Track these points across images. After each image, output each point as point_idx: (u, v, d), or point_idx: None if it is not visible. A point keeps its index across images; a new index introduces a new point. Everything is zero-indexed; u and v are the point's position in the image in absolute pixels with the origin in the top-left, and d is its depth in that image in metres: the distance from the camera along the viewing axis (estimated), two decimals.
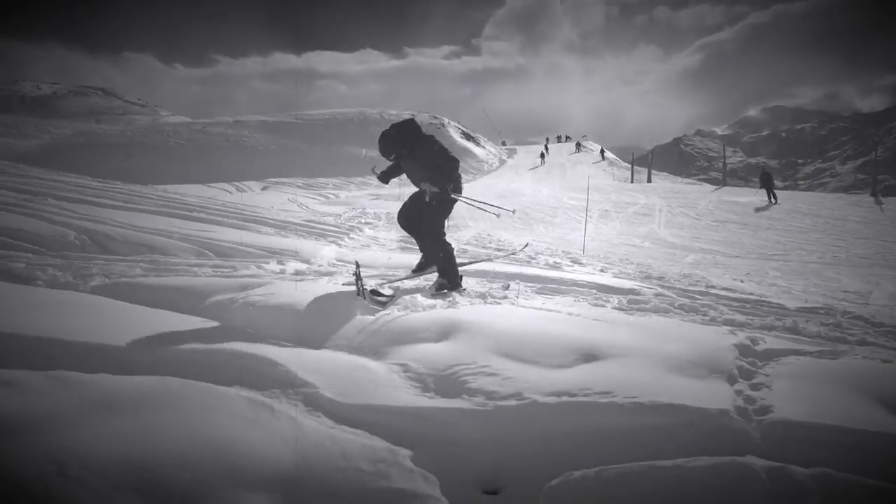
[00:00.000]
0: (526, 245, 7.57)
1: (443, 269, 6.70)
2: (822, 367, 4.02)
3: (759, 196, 29.93)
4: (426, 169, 6.60)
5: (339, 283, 6.30)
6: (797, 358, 4.23)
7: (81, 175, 17.43)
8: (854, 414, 3.18)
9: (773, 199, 28.17)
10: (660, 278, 9.24)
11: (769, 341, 4.62)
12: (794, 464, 2.65)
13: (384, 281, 6.65)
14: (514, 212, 7.91)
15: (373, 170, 7.21)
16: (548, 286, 7.25)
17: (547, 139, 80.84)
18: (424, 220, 6.76)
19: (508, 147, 74.04)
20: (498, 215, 7.47)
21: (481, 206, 7.97)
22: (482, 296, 6.37)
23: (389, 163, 6.97)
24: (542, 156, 58.00)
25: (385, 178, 7.07)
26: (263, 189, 38.73)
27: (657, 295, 7.22)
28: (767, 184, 29.22)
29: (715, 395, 3.38)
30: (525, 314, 5.24)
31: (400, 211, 7.03)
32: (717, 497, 2.50)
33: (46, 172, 15.98)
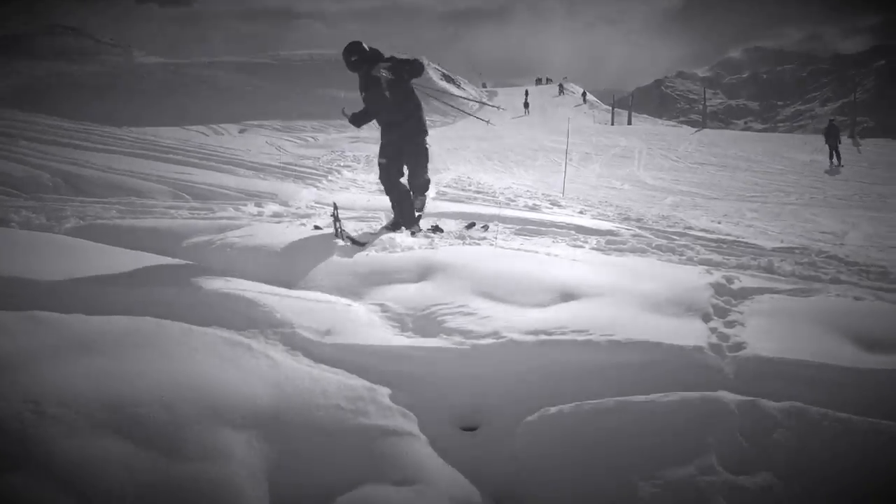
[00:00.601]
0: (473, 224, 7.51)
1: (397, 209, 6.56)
2: (795, 305, 4.07)
3: (821, 153, 23.51)
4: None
5: (316, 225, 6.28)
6: (771, 296, 4.26)
7: (54, 116, 17.10)
8: (825, 350, 3.24)
9: (836, 160, 22.24)
10: (638, 220, 9.28)
11: (744, 280, 4.65)
12: (766, 398, 2.70)
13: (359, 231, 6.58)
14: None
15: (342, 111, 6.71)
16: (527, 227, 7.26)
17: (535, 84, 79.67)
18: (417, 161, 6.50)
19: (489, 90, 73.23)
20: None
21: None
22: (461, 237, 6.37)
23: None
24: (526, 105, 57.36)
25: (357, 121, 6.66)
26: (241, 132, 38.18)
27: (635, 236, 7.26)
28: (833, 140, 22.85)
29: (689, 333, 3.42)
30: (503, 255, 5.25)
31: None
32: (688, 430, 2.55)
33: (18, 113, 15.66)
